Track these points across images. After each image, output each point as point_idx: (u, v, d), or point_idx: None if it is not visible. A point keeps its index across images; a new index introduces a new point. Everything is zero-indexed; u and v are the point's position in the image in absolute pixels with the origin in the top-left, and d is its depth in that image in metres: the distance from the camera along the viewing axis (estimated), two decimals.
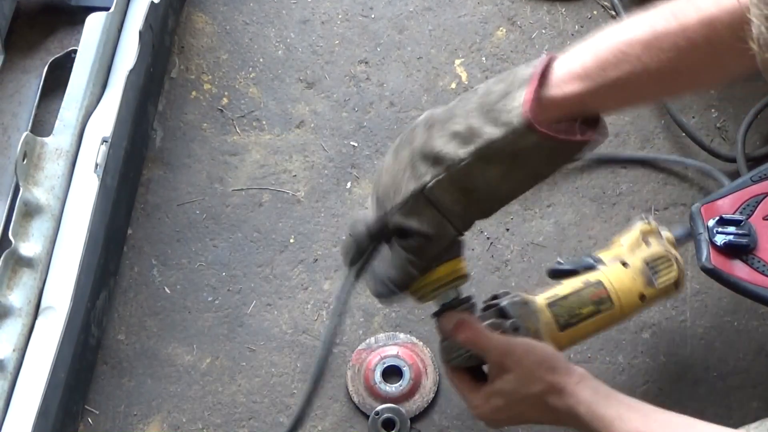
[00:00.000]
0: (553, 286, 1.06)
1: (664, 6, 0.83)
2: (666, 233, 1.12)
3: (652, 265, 1.09)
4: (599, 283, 1.05)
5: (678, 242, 1.13)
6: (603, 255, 1.09)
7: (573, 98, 0.86)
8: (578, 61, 0.87)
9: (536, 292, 1.04)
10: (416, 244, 0.95)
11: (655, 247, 1.10)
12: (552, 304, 1.03)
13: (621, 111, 1.19)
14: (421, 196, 0.92)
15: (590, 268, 1.07)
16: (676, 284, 1.10)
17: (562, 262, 1.08)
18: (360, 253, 1.02)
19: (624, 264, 1.08)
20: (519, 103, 0.87)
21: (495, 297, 1.05)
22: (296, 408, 1.15)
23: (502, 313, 1.00)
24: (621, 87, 0.86)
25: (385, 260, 1.01)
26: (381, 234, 0.98)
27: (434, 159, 0.92)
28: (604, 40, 0.86)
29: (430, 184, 0.91)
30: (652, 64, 0.83)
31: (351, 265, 1.04)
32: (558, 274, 1.09)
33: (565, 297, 1.04)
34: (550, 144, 0.88)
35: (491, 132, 0.88)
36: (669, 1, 0.83)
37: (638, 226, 1.11)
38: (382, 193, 0.97)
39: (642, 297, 1.07)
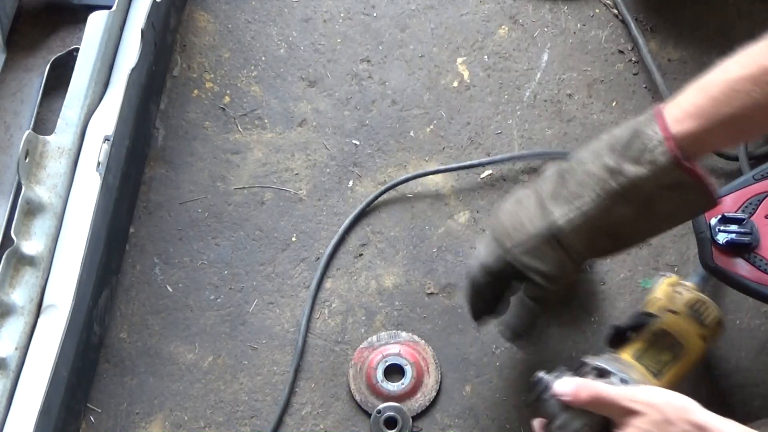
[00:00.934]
0: (618, 342, 1.07)
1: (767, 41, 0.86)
2: (688, 283, 1.14)
3: (695, 308, 1.10)
4: (664, 332, 1.06)
5: (699, 288, 1.15)
6: (648, 309, 1.10)
7: (689, 137, 0.89)
8: (690, 101, 0.90)
9: (608, 351, 1.05)
10: (537, 286, 0.98)
11: (687, 294, 1.11)
12: (638, 358, 1.03)
13: (734, 145, 1.20)
14: (548, 235, 0.95)
15: (645, 323, 1.07)
16: (719, 323, 1.11)
17: (617, 325, 1.08)
18: (479, 296, 1.05)
19: (673, 312, 1.09)
20: (660, 140, 0.89)
21: (580, 365, 1.01)
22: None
23: (602, 372, 0.97)
24: (734, 123, 0.88)
25: (511, 309, 1.05)
26: (500, 274, 1.00)
27: (565, 199, 0.94)
28: (713, 78, 0.89)
29: (560, 222, 0.94)
30: (762, 99, 0.85)
31: (473, 309, 1.08)
32: (618, 336, 1.08)
33: (645, 349, 1.04)
34: (689, 182, 0.90)
35: (634, 171, 0.90)
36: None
37: (664, 281, 1.13)
38: (501, 233, 0.98)
39: (703, 337, 1.08)
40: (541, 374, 0.96)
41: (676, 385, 1.02)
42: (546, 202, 0.96)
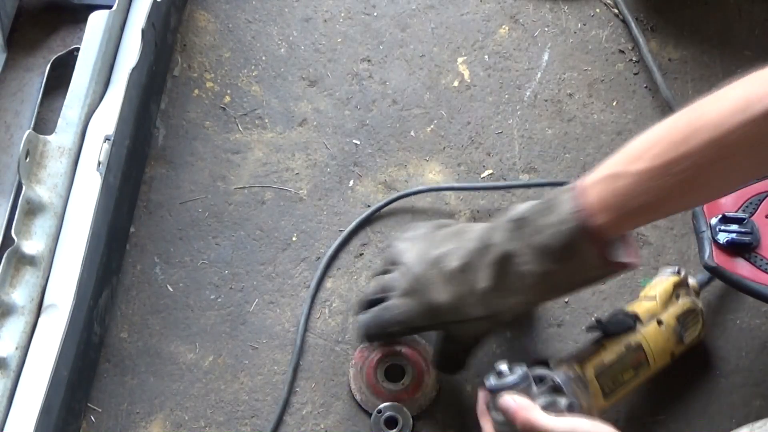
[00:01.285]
0: (594, 344, 1.08)
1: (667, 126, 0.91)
2: (692, 282, 1.15)
3: (682, 321, 1.12)
4: (639, 346, 1.08)
5: (700, 287, 1.17)
6: (638, 309, 1.11)
7: (607, 226, 0.92)
8: (601, 191, 0.92)
9: (581, 352, 1.07)
10: (464, 344, 1.11)
11: (684, 301, 1.13)
12: (599, 375, 1.05)
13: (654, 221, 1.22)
14: (484, 321, 1.04)
15: (625, 330, 1.09)
16: (698, 340, 1.15)
17: (601, 320, 1.09)
18: (380, 337, 1.17)
19: (659, 323, 1.10)
20: (597, 256, 0.94)
21: (544, 363, 1.05)
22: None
23: (556, 389, 1.00)
24: (645, 210, 0.92)
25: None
26: (416, 330, 1.13)
27: (507, 294, 1.00)
28: (619, 165, 0.93)
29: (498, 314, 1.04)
30: (673, 188, 0.89)
31: (368, 341, 1.18)
32: (599, 331, 1.10)
33: (610, 365, 1.06)
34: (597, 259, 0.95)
35: (578, 275, 0.98)
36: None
37: (671, 280, 1.14)
38: (436, 308, 1.04)
39: (672, 355, 1.11)
40: (502, 367, 0.99)
41: (617, 402, 1.08)
42: (482, 292, 1.02)
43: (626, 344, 1.08)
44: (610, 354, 1.07)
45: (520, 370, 0.98)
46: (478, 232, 1.03)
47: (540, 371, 1.02)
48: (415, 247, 1.09)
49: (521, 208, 1.01)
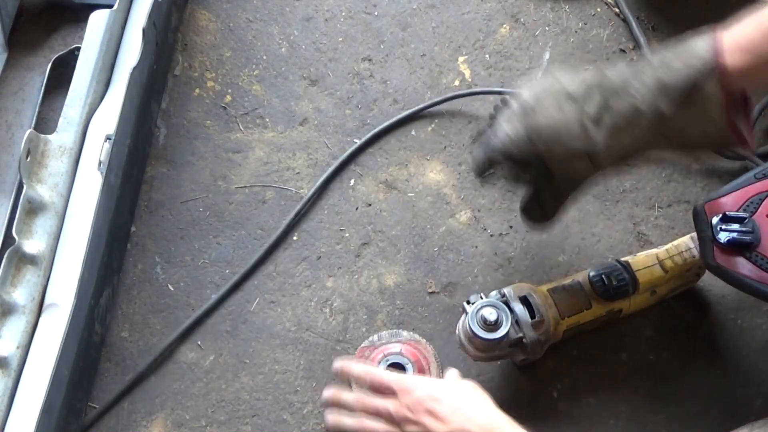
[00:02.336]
0: (582, 298, 1.17)
1: None
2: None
3: (675, 292, 1.21)
4: (619, 311, 1.19)
5: None
6: (643, 275, 1.18)
7: (738, 72, 0.89)
8: (743, 33, 0.89)
9: (566, 304, 1.16)
10: (563, 185, 1.04)
11: (690, 278, 1.20)
12: (567, 330, 1.17)
13: None
14: (584, 155, 0.99)
15: (625, 296, 1.17)
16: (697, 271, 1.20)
17: (601, 276, 1.17)
18: (490, 167, 1.08)
19: (653, 293, 1.19)
20: (716, 94, 0.90)
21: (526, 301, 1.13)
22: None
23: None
24: None
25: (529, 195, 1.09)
26: (520, 164, 1.04)
27: (608, 129, 0.96)
28: (759, 11, 0.89)
29: (600, 149, 0.97)
30: None
31: (479, 175, 1.13)
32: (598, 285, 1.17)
33: (582, 324, 1.17)
34: (732, 140, 0.93)
35: (684, 118, 0.92)
36: None
37: (695, 259, 1.18)
38: (536, 135, 1.00)
39: (653, 292, 1.18)
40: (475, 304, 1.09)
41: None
42: (588, 124, 0.97)
43: (609, 309, 1.16)
44: (590, 315, 1.15)
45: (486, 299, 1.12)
46: (601, 68, 1.00)
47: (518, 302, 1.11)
48: (532, 81, 1.06)
49: (649, 54, 0.99)
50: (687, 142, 0.96)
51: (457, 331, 1.13)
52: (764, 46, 0.87)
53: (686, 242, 1.19)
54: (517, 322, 1.10)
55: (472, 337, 1.09)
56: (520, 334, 1.10)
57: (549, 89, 1.00)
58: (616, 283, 1.15)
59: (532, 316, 1.11)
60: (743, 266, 1.06)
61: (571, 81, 0.99)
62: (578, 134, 0.97)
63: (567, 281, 1.17)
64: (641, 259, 1.18)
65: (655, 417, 1.18)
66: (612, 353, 1.22)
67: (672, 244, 1.19)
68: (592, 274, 1.16)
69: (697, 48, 0.91)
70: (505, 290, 1.13)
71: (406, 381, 0.95)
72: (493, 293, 1.13)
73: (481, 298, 1.11)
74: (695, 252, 1.17)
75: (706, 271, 1.14)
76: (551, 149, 0.99)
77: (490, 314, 1.08)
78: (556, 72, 1.02)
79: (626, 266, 1.17)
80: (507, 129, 1.02)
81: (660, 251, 1.18)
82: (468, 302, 1.11)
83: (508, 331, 1.08)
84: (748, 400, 1.19)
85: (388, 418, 0.93)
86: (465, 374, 1.21)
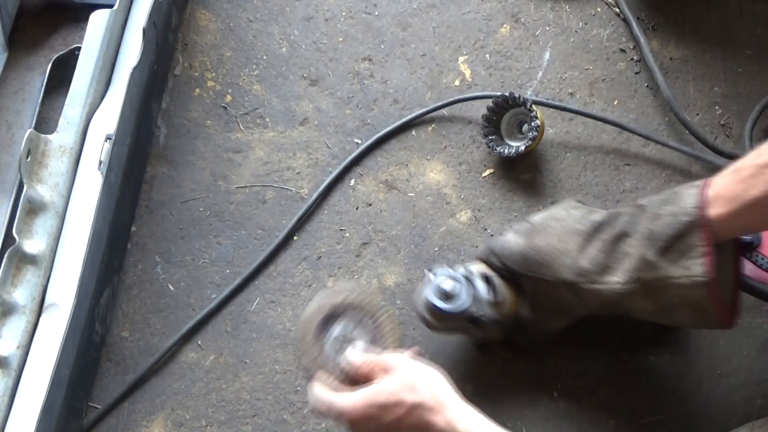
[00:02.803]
0: None
1: None
2: None
3: None
4: None
5: None
6: None
7: (721, 220, 0.93)
8: (724, 184, 0.94)
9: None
10: (544, 315, 1.12)
11: None
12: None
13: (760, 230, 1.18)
14: (571, 287, 1.05)
15: None
16: None
17: None
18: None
19: None
20: (699, 255, 0.95)
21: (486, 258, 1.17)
22: None
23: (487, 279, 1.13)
24: (762, 205, 0.91)
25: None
26: (509, 277, 1.12)
27: (600, 266, 1.02)
28: (745, 161, 0.93)
29: (584, 286, 1.03)
30: None
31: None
32: None
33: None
34: (710, 311, 0.98)
35: (670, 272, 0.97)
36: None
37: None
38: (533, 257, 1.07)
39: None
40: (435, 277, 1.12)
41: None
42: (581, 259, 1.03)
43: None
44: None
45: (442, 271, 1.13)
46: (605, 212, 1.06)
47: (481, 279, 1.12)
48: (548, 209, 1.13)
49: (650, 197, 1.03)
50: (666, 302, 1.00)
51: (415, 296, 1.14)
52: (742, 192, 0.92)
53: None
54: (476, 299, 1.11)
55: (429, 305, 1.11)
56: (478, 312, 1.10)
57: (559, 220, 1.08)
58: None
59: (494, 296, 1.11)
60: (743, 266, 1.06)
61: (580, 219, 1.07)
62: (569, 266, 1.04)
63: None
64: None
65: (655, 417, 1.18)
66: (612, 353, 1.22)
67: None
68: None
69: (685, 199, 0.97)
70: (472, 267, 1.14)
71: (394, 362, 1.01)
72: (461, 268, 1.13)
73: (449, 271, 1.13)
74: None
75: None
76: (540, 271, 1.06)
77: (448, 285, 1.10)
78: (570, 206, 1.10)
79: None
80: (510, 238, 1.10)
81: None
82: (430, 270, 1.13)
83: (465, 306, 1.10)
84: (748, 400, 1.19)
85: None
86: (465, 372, 1.21)
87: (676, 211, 0.96)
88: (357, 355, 1.02)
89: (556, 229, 1.07)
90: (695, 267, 0.95)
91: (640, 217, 1.01)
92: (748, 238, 1.06)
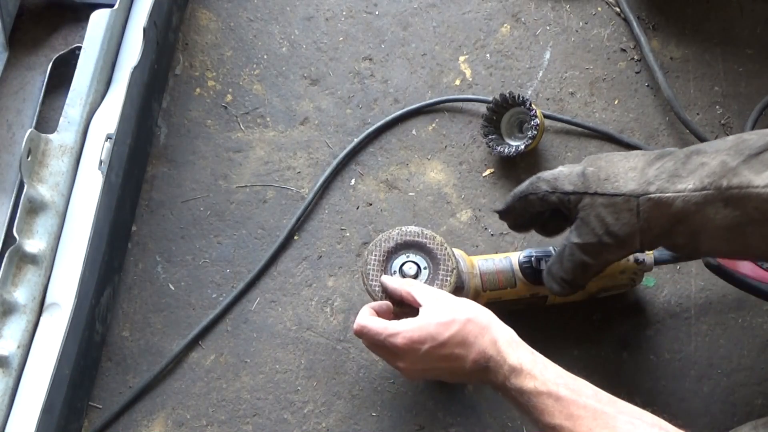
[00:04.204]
0: (509, 276, 1.17)
1: None
2: (649, 259, 1.17)
3: (607, 290, 1.19)
4: (544, 298, 1.18)
5: (656, 264, 1.18)
6: None
7: None
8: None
9: (492, 277, 1.17)
10: (595, 241, 0.96)
11: (623, 279, 1.18)
12: (488, 304, 1.13)
13: None
14: (634, 201, 0.92)
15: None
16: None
17: (532, 260, 1.17)
18: (527, 206, 1.04)
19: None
20: None
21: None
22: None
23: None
24: None
25: (558, 259, 1.03)
26: (563, 203, 0.99)
27: (668, 175, 0.91)
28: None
29: (651, 195, 0.91)
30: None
31: (509, 212, 1.08)
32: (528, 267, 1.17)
33: (504, 301, 1.17)
34: None
35: (753, 180, 0.86)
36: None
37: (630, 263, 1.16)
38: (593, 173, 0.96)
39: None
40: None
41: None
42: (649, 169, 0.93)
43: (534, 293, 1.17)
44: (513, 294, 1.16)
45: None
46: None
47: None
48: None
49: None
50: (743, 219, 0.88)
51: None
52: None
53: None
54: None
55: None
56: None
57: (623, 154, 0.99)
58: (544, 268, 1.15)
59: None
60: (744, 266, 1.07)
61: (648, 152, 0.98)
62: (634, 175, 0.94)
63: (500, 257, 1.17)
64: None
65: (656, 416, 1.18)
66: (612, 353, 1.22)
67: None
68: (523, 255, 1.17)
69: None
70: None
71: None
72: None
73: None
74: (631, 256, 1.15)
75: (706, 270, 1.13)
76: (601, 186, 0.95)
77: (409, 268, 1.10)
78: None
79: None
80: (562, 169, 1.01)
81: None
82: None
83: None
84: (749, 400, 1.19)
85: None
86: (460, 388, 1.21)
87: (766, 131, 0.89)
88: (397, 281, 1.05)
89: (619, 156, 0.98)
90: None
91: (721, 140, 0.92)
92: None
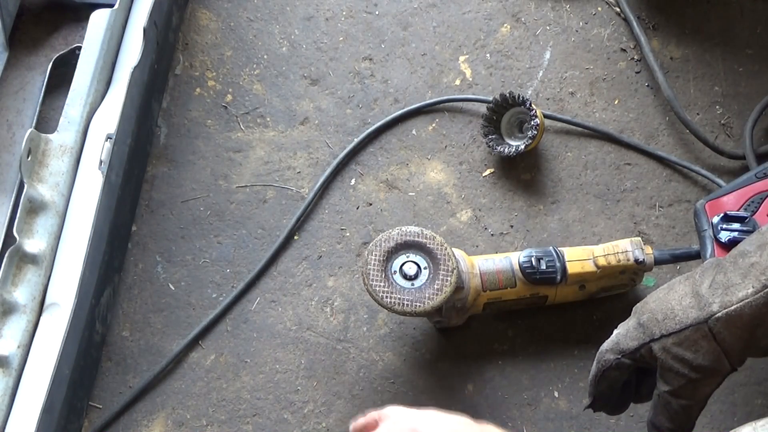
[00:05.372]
0: (509, 276, 1.17)
1: None
2: (650, 257, 1.17)
3: (608, 290, 1.21)
4: (544, 298, 1.19)
5: (656, 264, 1.18)
6: (574, 267, 1.17)
7: None
8: None
9: (492, 277, 1.17)
10: (685, 381, 0.90)
11: (623, 279, 1.19)
12: (487, 305, 1.18)
13: None
14: (704, 327, 0.88)
15: (551, 283, 1.17)
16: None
17: (532, 261, 1.17)
18: (608, 383, 0.97)
19: (582, 287, 1.19)
20: None
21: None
22: None
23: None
24: None
25: (656, 411, 0.95)
26: (638, 361, 0.93)
27: (724, 288, 0.88)
28: None
29: (718, 315, 0.87)
30: None
31: (597, 395, 0.99)
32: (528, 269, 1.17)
33: (504, 301, 1.18)
34: None
35: None
36: None
37: (630, 263, 1.16)
38: (648, 319, 0.91)
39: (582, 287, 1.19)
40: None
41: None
42: (702, 290, 0.89)
43: (534, 293, 1.17)
44: (513, 294, 1.16)
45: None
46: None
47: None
48: None
49: None
50: None
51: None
52: None
53: (624, 245, 1.16)
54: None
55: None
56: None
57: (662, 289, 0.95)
58: (545, 268, 1.15)
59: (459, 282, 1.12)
60: None
61: (685, 276, 0.95)
62: (691, 302, 0.89)
63: (500, 257, 1.18)
64: (576, 252, 1.18)
65: None
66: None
67: (610, 244, 1.17)
68: (524, 255, 1.17)
69: None
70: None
71: (386, 410, 0.90)
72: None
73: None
74: (631, 256, 1.15)
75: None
76: (663, 327, 0.90)
77: (409, 268, 1.10)
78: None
79: (560, 255, 1.17)
80: (618, 330, 0.96)
81: (597, 248, 1.17)
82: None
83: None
84: (749, 400, 1.19)
85: None
86: (465, 371, 1.21)
87: None
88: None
89: (661, 290, 0.94)
90: None
91: (756, 235, 0.91)
92: None
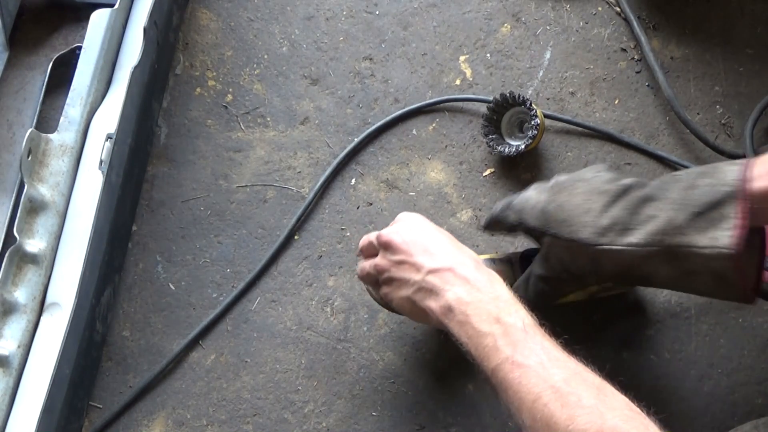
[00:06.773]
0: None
1: None
2: None
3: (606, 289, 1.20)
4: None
5: None
6: None
7: (760, 197, 0.90)
8: (763, 163, 0.92)
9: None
10: (554, 275, 1.05)
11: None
12: None
13: None
14: (587, 249, 0.99)
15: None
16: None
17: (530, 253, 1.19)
18: (498, 228, 1.13)
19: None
20: (730, 227, 0.91)
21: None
22: None
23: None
24: None
25: (523, 285, 1.11)
26: (529, 235, 1.08)
27: (621, 227, 0.97)
28: None
29: (604, 247, 0.98)
30: None
31: (486, 229, 1.16)
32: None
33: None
34: (733, 280, 0.93)
35: (696, 240, 0.93)
36: None
37: None
38: (553, 211, 1.03)
39: None
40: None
41: None
42: (603, 216, 0.99)
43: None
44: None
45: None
46: (636, 178, 1.03)
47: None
48: (578, 171, 1.09)
49: (685, 170, 1.01)
50: (686, 269, 0.96)
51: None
52: None
53: None
54: None
55: None
56: None
57: (586, 180, 1.04)
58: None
59: None
60: None
61: (609, 181, 1.02)
62: (589, 225, 0.99)
63: (500, 257, 1.18)
64: None
65: (656, 416, 1.18)
66: (613, 352, 1.22)
67: None
68: (524, 251, 1.17)
69: (726, 173, 0.94)
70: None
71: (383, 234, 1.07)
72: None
73: None
74: None
75: None
76: (559, 229, 1.02)
77: None
78: (600, 169, 1.06)
79: None
80: (531, 194, 1.07)
81: None
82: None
83: None
84: (749, 399, 1.19)
85: (381, 270, 1.06)
86: (466, 371, 1.21)
87: (715, 182, 0.93)
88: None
89: (582, 188, 1.03)
90: (723, 238, 0.91)
91: (673, 185, 0.97)
92: None
